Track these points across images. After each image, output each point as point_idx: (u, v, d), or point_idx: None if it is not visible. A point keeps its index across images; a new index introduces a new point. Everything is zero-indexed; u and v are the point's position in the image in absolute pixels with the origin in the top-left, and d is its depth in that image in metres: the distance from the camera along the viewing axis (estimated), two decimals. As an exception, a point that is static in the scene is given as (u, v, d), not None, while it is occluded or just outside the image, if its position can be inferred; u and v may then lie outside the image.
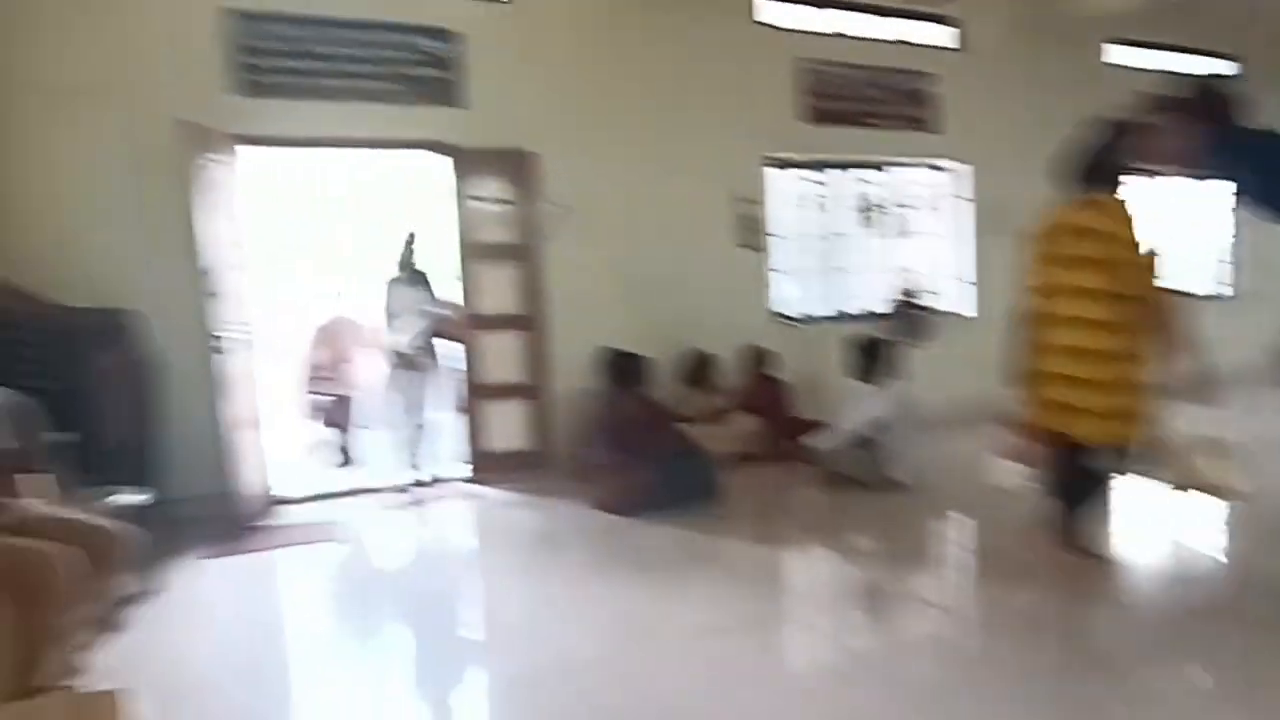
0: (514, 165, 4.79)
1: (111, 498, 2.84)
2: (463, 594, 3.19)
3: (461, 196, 4.72)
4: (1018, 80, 6.43)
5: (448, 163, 4.72)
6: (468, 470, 4.80)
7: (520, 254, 4.86)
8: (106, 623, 2.69)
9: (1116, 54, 6.99)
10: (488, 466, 4.78)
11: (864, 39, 6.00)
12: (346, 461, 5.19)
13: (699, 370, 5.15)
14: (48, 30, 3.93)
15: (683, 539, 3.57)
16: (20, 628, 1.88)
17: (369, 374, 5.17)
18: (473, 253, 4.75)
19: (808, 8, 5.83)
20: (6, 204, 3.88)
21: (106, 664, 2.40)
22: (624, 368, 4.23)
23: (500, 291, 4.81)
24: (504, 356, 4.83)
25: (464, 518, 4.21)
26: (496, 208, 4.80)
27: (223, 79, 4.23)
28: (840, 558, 3.41)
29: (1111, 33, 6.87)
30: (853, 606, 2.96)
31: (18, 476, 2.29)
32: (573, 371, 4.83)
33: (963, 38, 6.35)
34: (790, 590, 3.21)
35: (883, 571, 3.22)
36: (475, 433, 4.82)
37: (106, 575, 2.26)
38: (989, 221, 6.39)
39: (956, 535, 3.72)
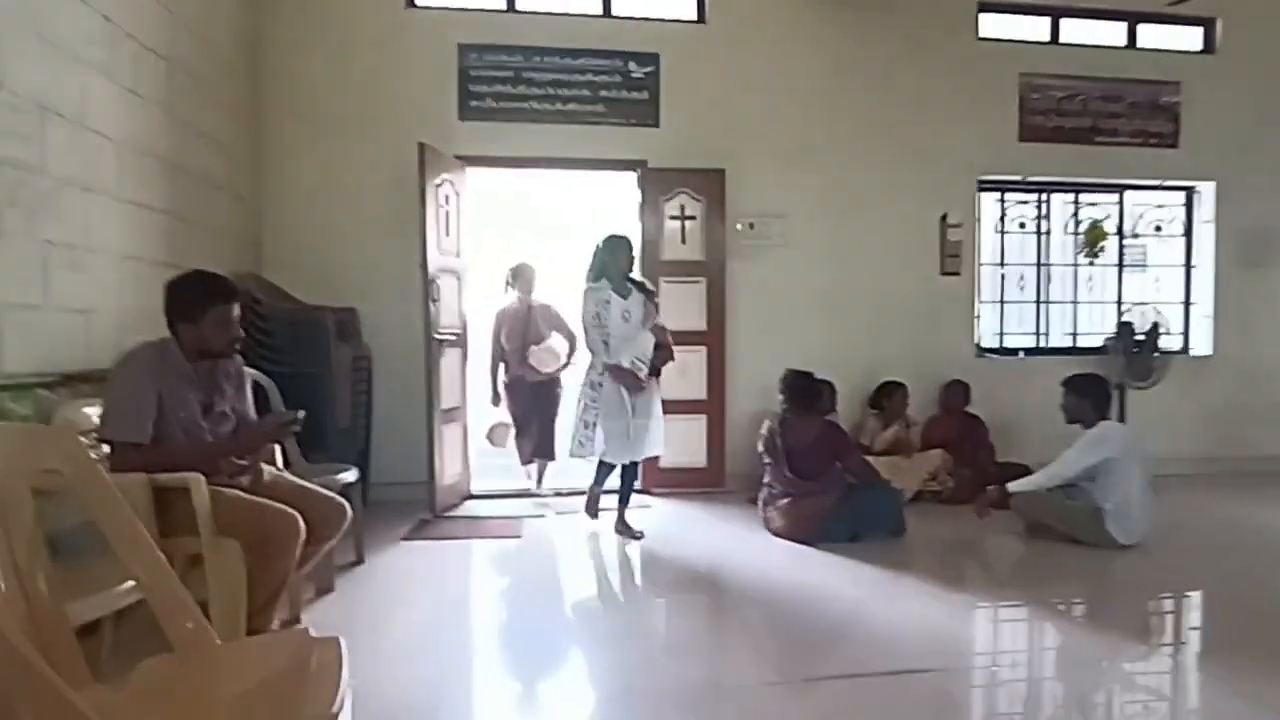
0: (705, 183, 4.85)
1: (335, 475, 3.18)
2: (623, 606, 3.22)
3: (651, 213, 4.85)
4: (1277, 87, 5.54)
5: (641, 180, 4.87)
6: (641, 482, 4.87)
7: (706, 271, 4.89)
8: (322, 583, 3.03)
9: None
10: (662, 481, 4.83)
11: (1096, 46, 5.45)
12: (533, 457, 4.77)
13: (888, 399, 4.89)
14: (313, 65, 4.57)
15: (860, 574, 3.37)
16: (262, 576, 2.15)
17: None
18: (660, 269, 4.85)
19: (1034, 17, 5.41)
20: (268, 213, 4.56)
21: (320, 618, 2.70)
22: (807, 391, 4.08)
23: (684, 308, 4.86)
24: (685, 372, 4.86)
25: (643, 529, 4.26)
26: (684, 225, 4.88)
27: (455, 106, 4.69)
28: (1033, 616, 3.03)
29: None
30: (1042, 674, 2.62)
31: (269, 446, 2.63)
32: (755, 392, 4.77)
33: (1211, 38, 5.57)
34: (973, 643, 2.90)
35: (1082, 638, 2.82)
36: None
37: (328, 541, 2.53)
38: (1235, 248, 5.54)
39: (1181, 607, 3.19)
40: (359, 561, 3.43)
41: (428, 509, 4.24)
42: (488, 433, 4.81)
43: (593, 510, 4.03)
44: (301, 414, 2.41)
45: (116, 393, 2.19)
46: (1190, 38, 5.58)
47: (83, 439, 1.73)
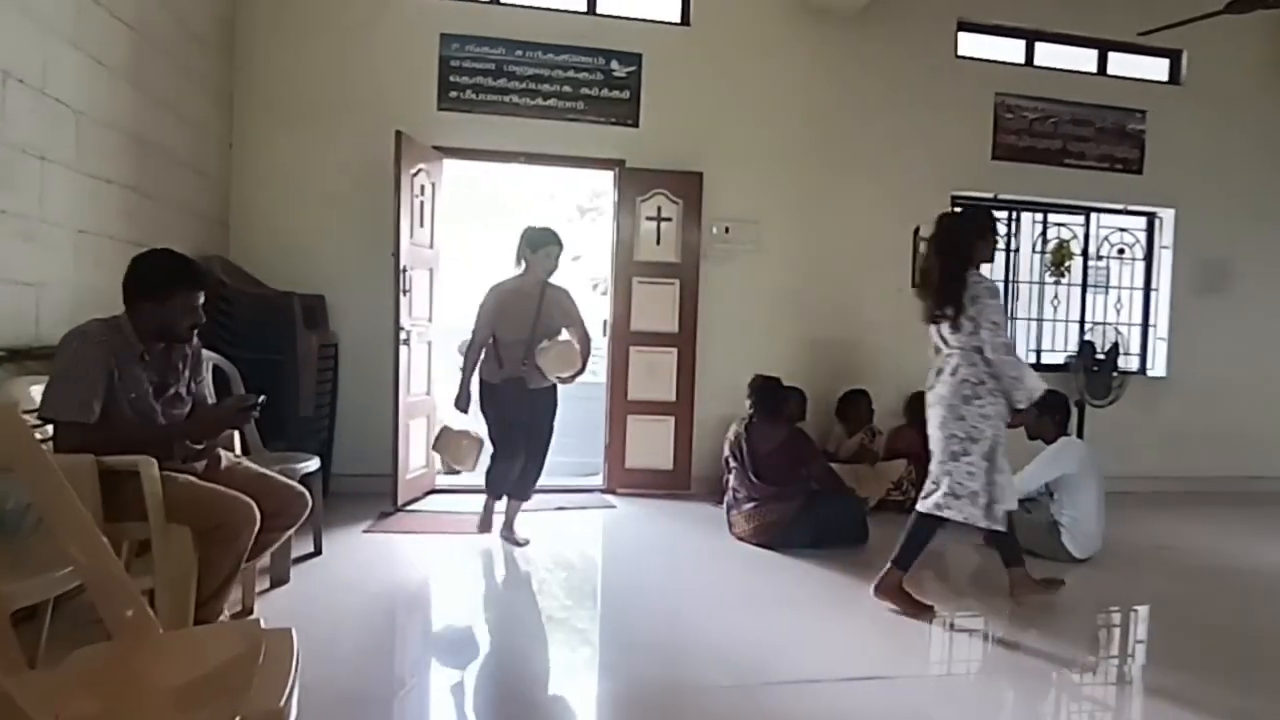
0: (681, 185, 4.86)
1: (296, 463, 3.12)
2: (584, 605, 3.20)
3: (628, 213, 4.84)
4: (1239, 122, 5.75)
5: (619, 179, 4.86)
6: (606, 482, 4.87)
7: (680, 273, 4.89)
8: (278, 573, 2.96)
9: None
10: (627, 481, 4.82)
11: (1068, 71, 5.57)
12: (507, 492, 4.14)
13: (853, 408, 4.94)
14: (290, 46, 4.48)
15: (823, 579, 3.40)
16: (212, 564, 2.10)
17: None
18: (634, 269, 4.84)
19: (1010, 39, 5.51)
20: (237, 194, 4.45)
21: (273, 609, 2.64)
22: (775, 397, 4.11)
23: (657, 310, 4.86)
24: (653, 374, 4.87)
25: (599, 529, 4.25)
26: (660, 226, 4.87)
27: (434, 96, 4.64)
28: (988, 626, 3.09)
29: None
30: (993, 683, 2.66)
31: (227, 432, 2.57)
32: (723, 396, 4.78)
33: (1177, 70, 5.75)
34: (929, 652, 2.94)
35: (1034, 649, 2.88)
36: (617, 446, 4.88)
37: (285, 531, 2.48)
38: (1191, 274, 5.72)
39: (1129, 620, 3.27)
40: (317, 552, 3.36)
41: (390, 501, 4.18)
42: (442, 442, 3.84)
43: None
44: (262, 399, 2.35)
45: (62, 370, 2.11)
46: (1157, 68, 5.74)
47: (26, 417, 1.66)
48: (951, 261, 2.95)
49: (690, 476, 4.89)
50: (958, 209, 3.14)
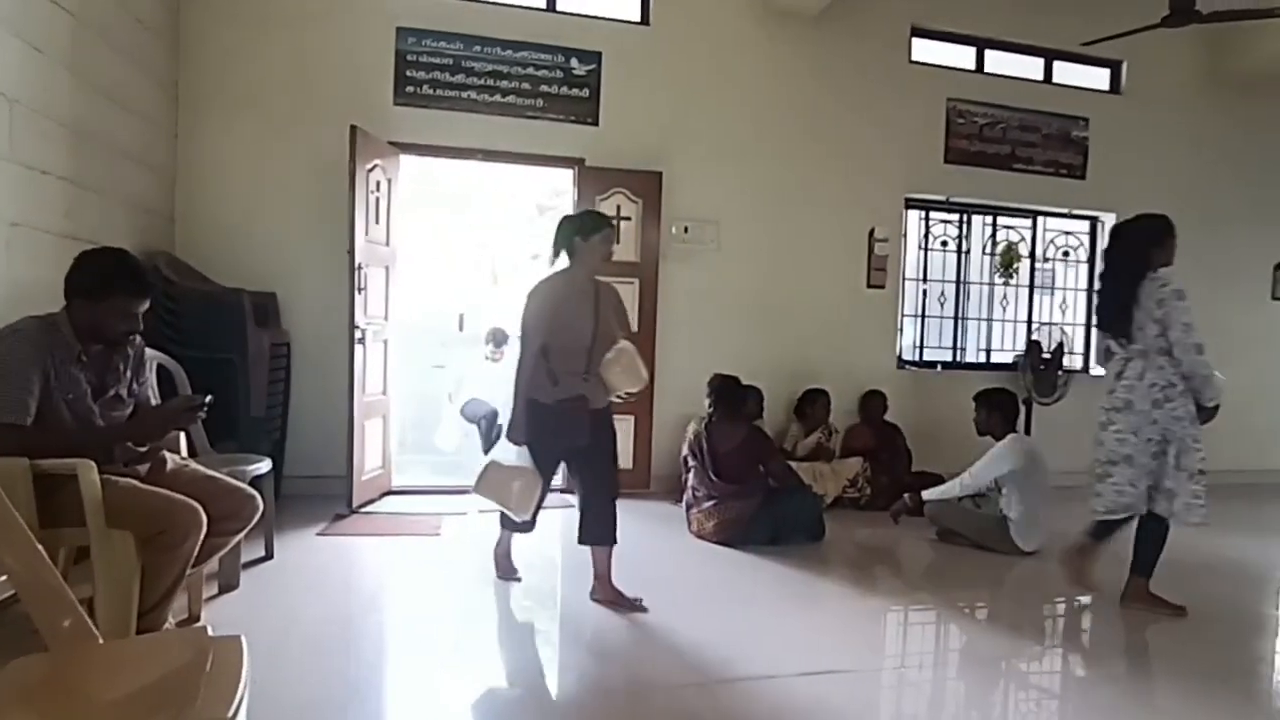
0: (642, 184, 4.86)
1: (246, 465, 3.03)
2: (542, 606, 3.18)
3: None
4: (1175, 130, 5.99)
5: (578, 178, 4.85)
6: (565, 482, 4.83)
7: (640, 272, 4.89)
8: (227, 579, 2.88)
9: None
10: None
11: (1017, 78, 5.74)
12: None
13: (810, 406, 5.01)
14: (240, 35, 4.35)
15: (781, 576, 3.44)
16: (156, 571, 2.02)
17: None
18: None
19: (962, 46, 5.65)
20: (184, 187, 4.31)
21: (222, 616, 2.56)
22: (734, 395, 4.14)
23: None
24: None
25: (558, 529, 4.22)
26: (619, 225, 4.86)
27: (390, 90, 4.55)
28: (941, 619, 3.17)
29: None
30: (946, 674, 2.73)
31: (172, 433, 2.48)
32: (682, 395, 4.80)
33: (1118, 79, 5.96)
34: (885, 645, 3.00)
35: (985, 639, 2.97)
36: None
37: (235, 535, 2.41)
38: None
39: (1073, 610, 3.39)
40: (268, 557, 3.28)
41: (345, 503, 4.09)
42: (489, 484, 2.97)
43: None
44: (209, 399, 2.27)
45: (-7, 369, 2.01)
46: (1099, 77, 5.95)
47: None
48: (1132, 265, 3.02)
49: (650, 475, 4.90)
50: (1138, 215, 3.22)
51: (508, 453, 3.15)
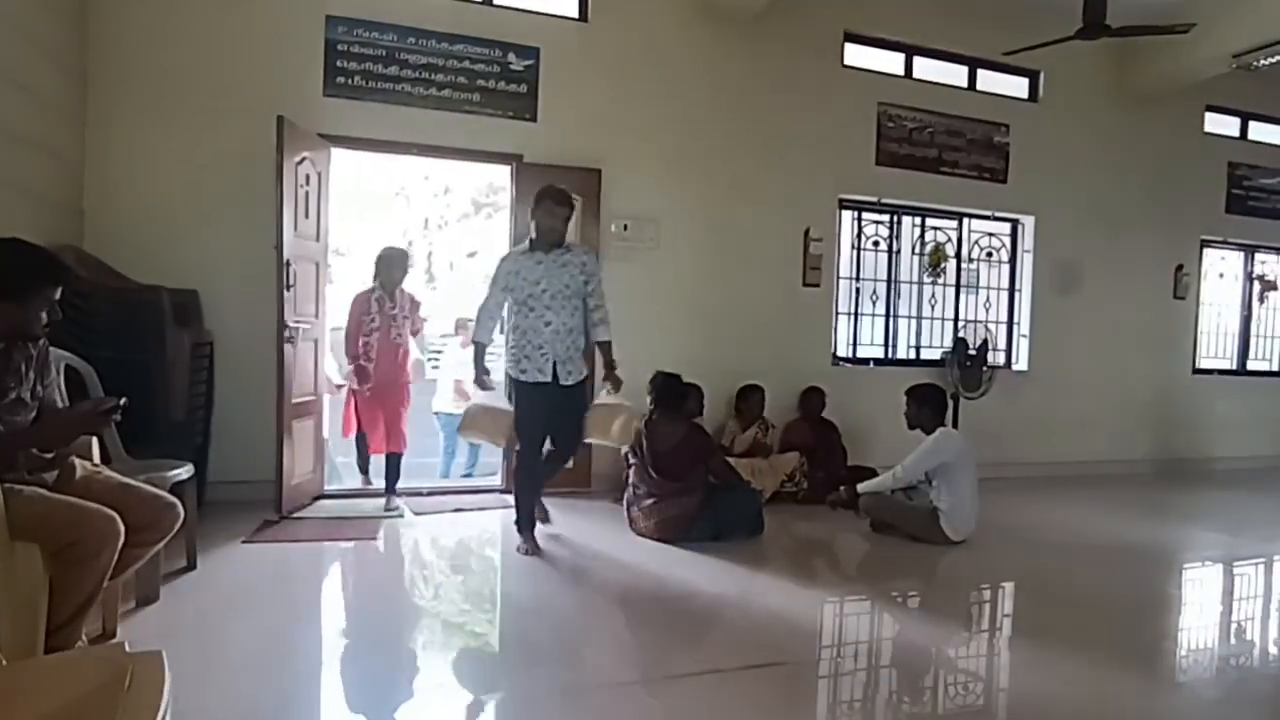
0: (581, 182, 4.82)
1: (165, 471, 2.88)
2: (482, 609, 3.14)
3: (523, 209, 4.76)
4: (1087, 138, 6.33)
5: (516, 174, 4.78)
6: (505, 482, 4.78)
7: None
8: (145, 591, 2.73)
9: (1209, 121, 6.81)
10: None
11: (943, 85, 5.94)
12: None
13: (748, 403, 5.08)
14: (154, 15, 4.11)
15: (720, 572, 3.48)
16: (68, 586, 1.90)
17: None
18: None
19: (891, 52, 5.81)
20: (94, 178, 4.06)
21: (141, 631, 2.43)
22: (675, 393, 4.17)
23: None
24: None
25: (498, 530, 4.17)
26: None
27: (320, 81, 4.39)
28: (875, 609, 3.27)
29: (1203, 99, 6.68)
30: (880, 662, 2.82)
31: (83, 439, 2.34)
32: (624, 393, 4.77)
33: (1035, 88, 6.25)
34: (823, 636, 3.07)
35: (916, 627, 3.08)
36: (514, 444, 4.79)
37: (154, 545, 2.28)
38: (1048, 276, 6.25)
39: (998, 596, 3.55)
40: (190, 567, 3.12)
41: (274, 509, 3.94)
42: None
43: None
44: (122, 401, 2.14)
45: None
46: (1018, 86, 6.22)
47: None
48: None
49: (590, 474, 4.89)
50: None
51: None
